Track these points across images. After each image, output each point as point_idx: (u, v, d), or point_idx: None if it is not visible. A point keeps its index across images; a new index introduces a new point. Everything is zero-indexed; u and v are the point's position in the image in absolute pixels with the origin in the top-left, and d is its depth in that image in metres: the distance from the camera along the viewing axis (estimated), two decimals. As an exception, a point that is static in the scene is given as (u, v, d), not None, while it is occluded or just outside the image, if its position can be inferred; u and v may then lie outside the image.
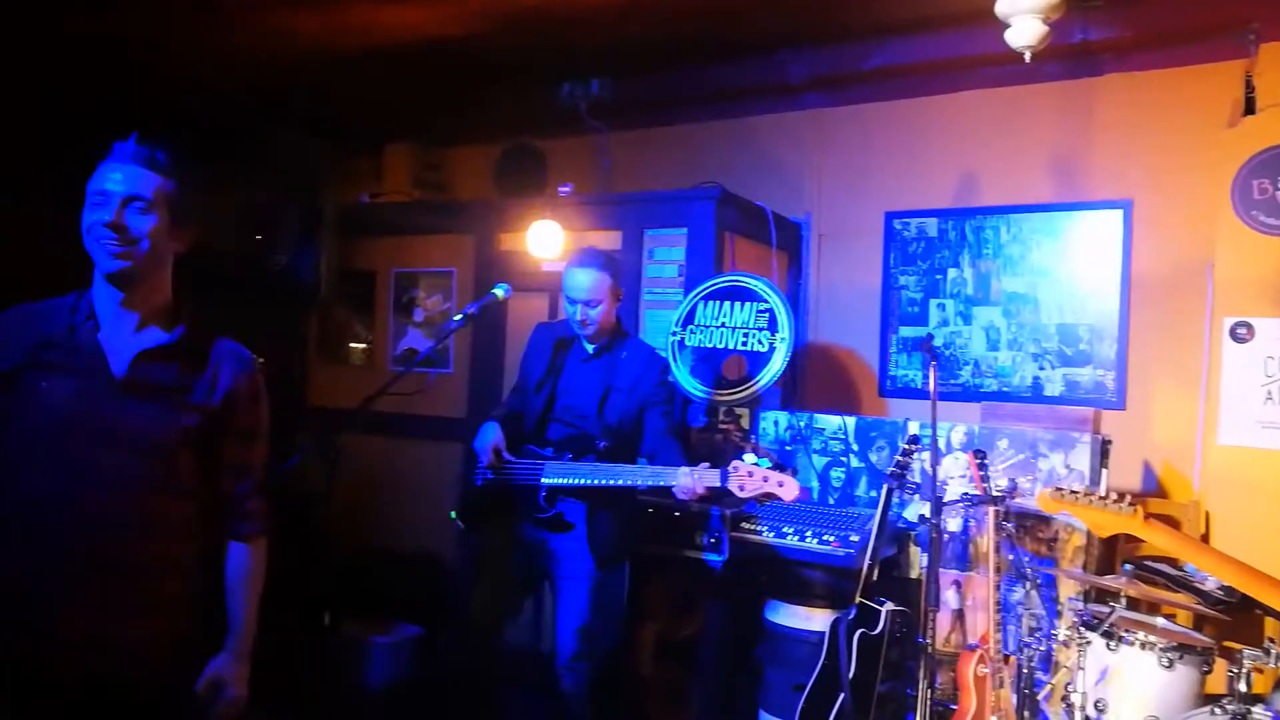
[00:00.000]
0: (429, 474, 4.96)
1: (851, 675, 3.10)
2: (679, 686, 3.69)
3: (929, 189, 4.74)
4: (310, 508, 4.64)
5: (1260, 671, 2.73)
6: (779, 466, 2.92)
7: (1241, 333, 3.83)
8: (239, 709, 1.99)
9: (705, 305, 4.21)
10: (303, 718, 3.82)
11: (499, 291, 3.27)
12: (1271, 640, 2.64)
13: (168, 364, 1.94)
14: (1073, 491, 2.76)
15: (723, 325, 4.17)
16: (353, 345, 5.45)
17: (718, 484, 2.93)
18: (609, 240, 4.55)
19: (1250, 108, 3.90)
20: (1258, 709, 2.58)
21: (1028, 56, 3.29)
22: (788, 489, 2.88)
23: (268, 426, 2.12)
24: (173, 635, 1.96)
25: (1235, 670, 2.64)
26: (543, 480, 3.19)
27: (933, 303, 4.65)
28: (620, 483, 3.10)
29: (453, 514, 3.46)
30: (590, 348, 3.36)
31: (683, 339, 4.22)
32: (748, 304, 4.12)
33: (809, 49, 4.56)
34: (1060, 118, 4.45)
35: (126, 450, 1.87)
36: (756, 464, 2.90)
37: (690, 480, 2.95)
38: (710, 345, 4.16)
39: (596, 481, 3.11)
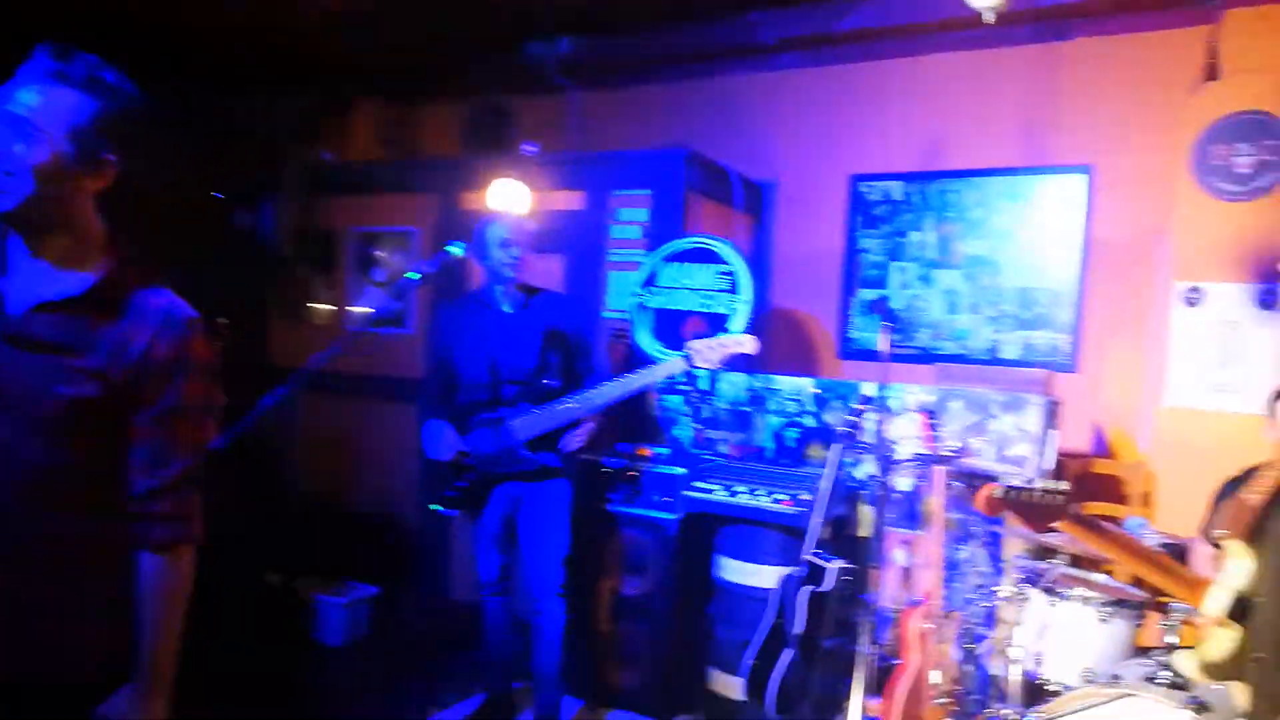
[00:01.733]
0: (387, 434, 4.97)
1: (799, 632, 3.14)
2: (632, 644, 3.74)
3: (895, 152, 4.74)
4: (269, 467, 4.66)
5: (1190, 625, 2.79)
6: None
7: (1193, 297, 3.86)
8: None
9: (667, 267, 4.21)
10: (260, 676, 3.85)
11: (454, 250, 3.25)
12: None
13: (69, 320, 1.55)
14: (1012, 488, 2.55)
15: (684, 287, 4.17)
16: (314, 305, 5.43)
17: (686, 368, 3.20)
18: (573, 200, 4.54)
19: (1213, 74, 3.90)
20: (1176, 658, 2.63)
21: (989, 18, 3.29)
22: (747, 344, 3.16)
23: (204, 402, 1.65)
24: (93, 640, 1.61)
25: (1166, 623, 2.69)
26: (517, 436, 3.31)
27: (894, 266, 4.67)
28: (592, 404, 3.26)
29: (434, 506, 3.46)
30: (509, 307, 3.46)
31: (644, 301, 4.22)
32: (710, 266, 4.12)
33: (781, 10, 4.54)
34: (1027, 82, 4.44)
35: (13, 418, 1.53)
36: (708, 336, 3.20)
37: (662, 372, 3.22)
38: (672, 308, 4.17)
39: (571, 414, 3.28)
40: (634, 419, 4.21)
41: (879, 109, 4.79)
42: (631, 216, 4.44)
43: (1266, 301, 3.73)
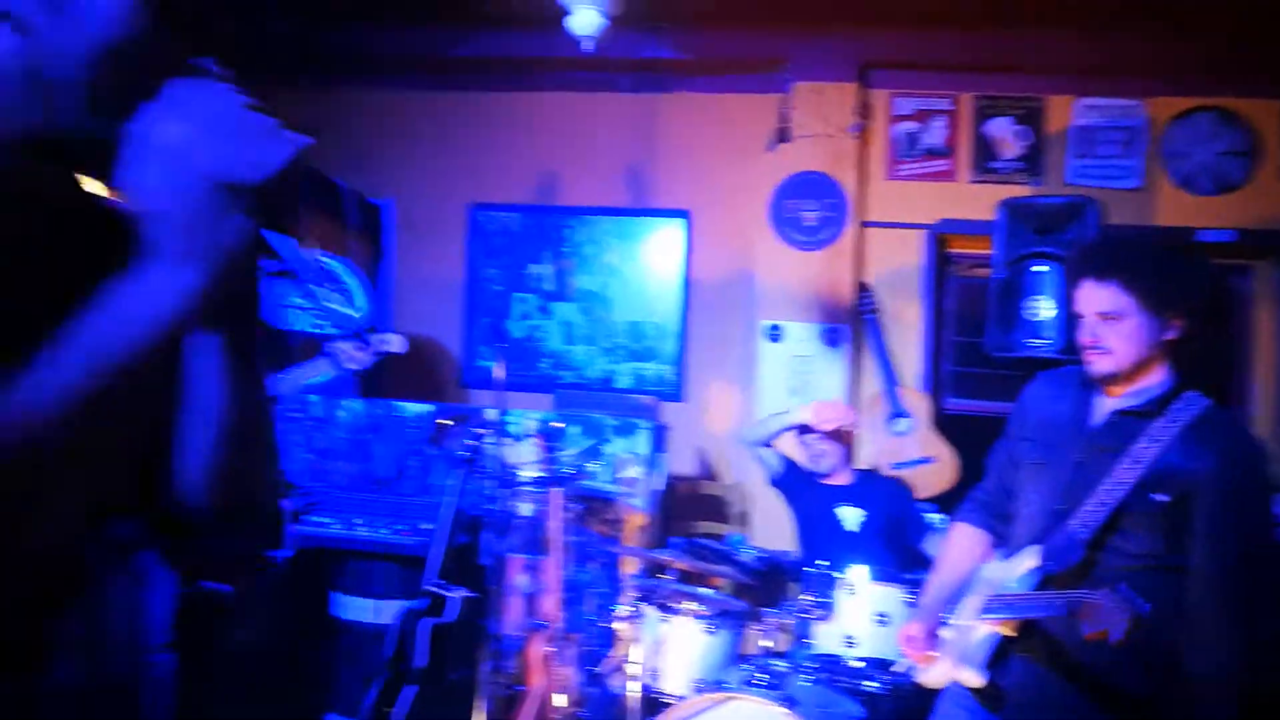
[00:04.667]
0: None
1: (421, 666, 3.02)
2: (237, 697, 3.36)
3: (513, 184, 4.81)
4: None
5: (787, 631, 3.10)
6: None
7: (775, 334, 4.34)
8: None
9: (273, 282, 3.89)
10: None
11: None
12: (790, 599, 2.99)
13: None
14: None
15: (296, 306, 3.88)
16: None
17: (332, 371, 3.17)
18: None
19: (785, 136, 4.44)
20: (778, 662, 2.91)
21: (587, 46, 3.45)
22: (395, 343, 3.21)
23: None
24: None
25: (762, 630, 2.96)
26: None
27: (515, 296, 4.74)
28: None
29: None
30: None
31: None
32: (324, 285, 3.88)
33: (400, 26, 4.45)
34: (632, 128, 4.74)
35: None
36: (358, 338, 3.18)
37: (307, 374, 3.18)
38: (281, 326, 3.86)
39: None
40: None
41: (497, 140, 4.84)
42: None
43: (831, 339, 4.30)
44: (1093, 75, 4.31)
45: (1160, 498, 1.83)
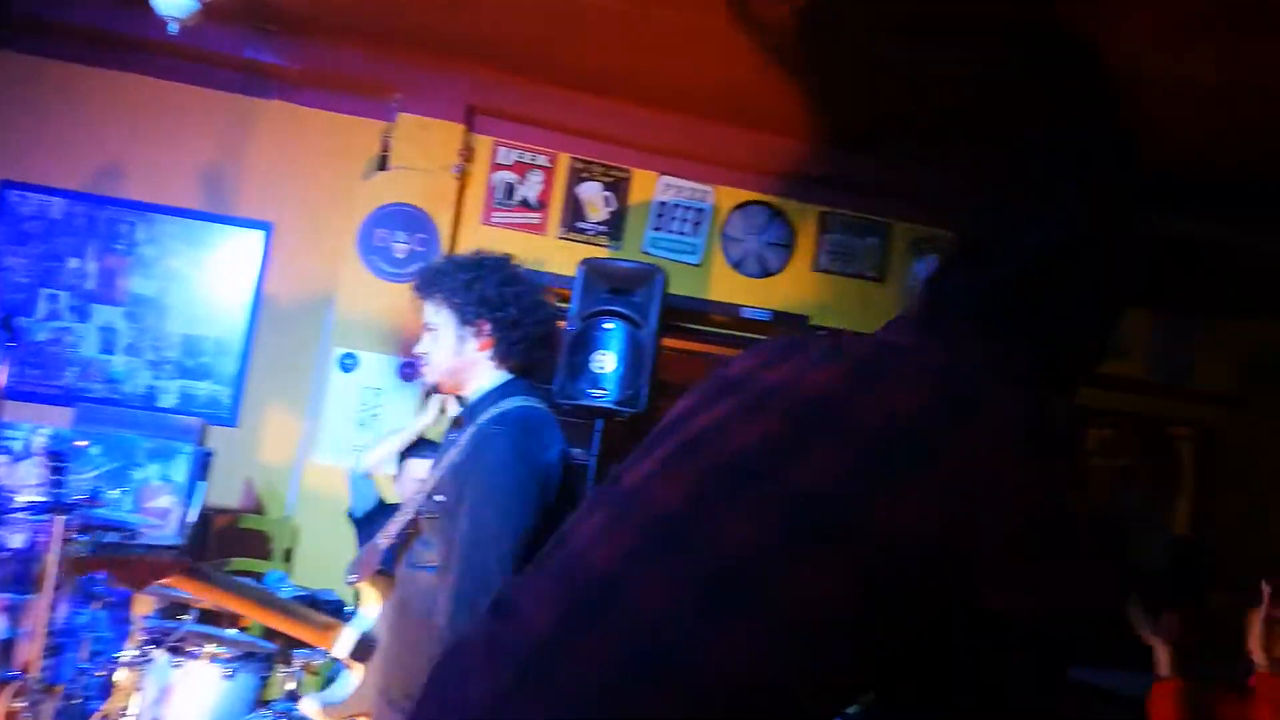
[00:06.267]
0: None
1: None
2: None
3: (64, 166, 4.20)
4: None
5: (315, 673, 2.91)
6: None
7: (349, 363, 4.17)
8: None
9: None
10: None
11: None
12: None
13: None
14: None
15: None
16: None
17: None
18: None
19: (383, 165, 4.34)
20: (300, 703, 2.72)
21: (174, 28, 3.13)
22: None
23: None
24: None
25: (288, 671, 2.75)
26: None
27: (44, 292, 4.10)
28: None
29: None
30: None
31: None
32: None
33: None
34: (220, 128, 4.37)
35: None
36: None
37: None
38: None
39: None
40: None
41: (49, 113, 4.22)
42: None
43: (406, 374, 4.21)
44: (674, 156, 4.70)
45: (441, 499, 1.91)
